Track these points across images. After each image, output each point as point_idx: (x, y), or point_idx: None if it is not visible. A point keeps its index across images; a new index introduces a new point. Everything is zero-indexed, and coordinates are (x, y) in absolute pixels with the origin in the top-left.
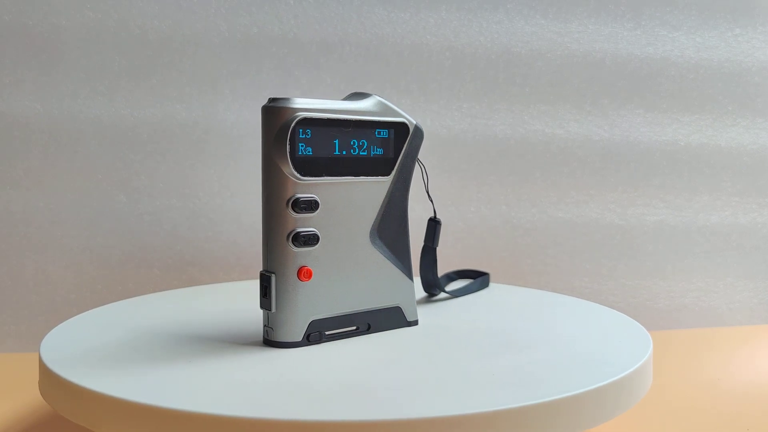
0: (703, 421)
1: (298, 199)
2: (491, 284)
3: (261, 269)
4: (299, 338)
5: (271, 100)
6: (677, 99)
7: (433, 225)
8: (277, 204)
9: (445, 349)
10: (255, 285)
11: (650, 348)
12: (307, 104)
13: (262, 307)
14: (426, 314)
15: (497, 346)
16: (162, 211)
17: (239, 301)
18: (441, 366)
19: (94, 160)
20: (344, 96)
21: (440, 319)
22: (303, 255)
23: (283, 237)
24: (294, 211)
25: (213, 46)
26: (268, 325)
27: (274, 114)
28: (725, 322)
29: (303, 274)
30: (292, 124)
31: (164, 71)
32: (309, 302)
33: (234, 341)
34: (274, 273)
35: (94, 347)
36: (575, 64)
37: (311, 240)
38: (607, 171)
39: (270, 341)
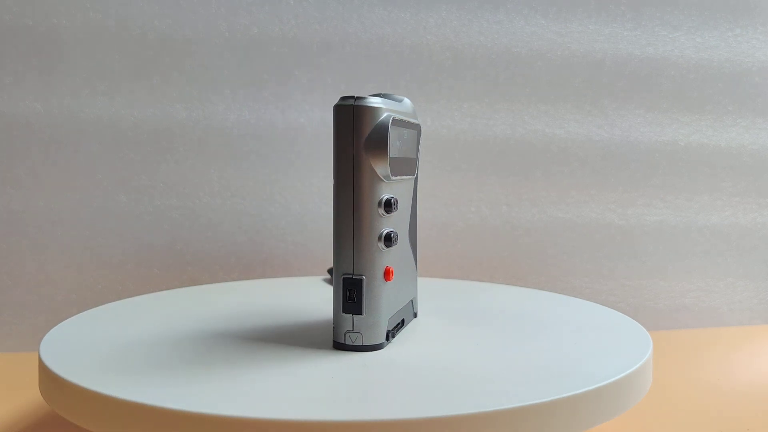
0: (703, 421)
1: (389, 199)
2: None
3: (344, 273)
4: (383, 339)
5: (353, 98)
6: (677, 99)
7: None
8: (369, 205)
9: (449, 348)
10: (256, 285)
11: (650, 348)
12: (385, 104)
13: (345, 311)
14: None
15: (497, 346)
16: (162, 211)
17: (242, 301)
18: (442, 366)
19: (94, 160)
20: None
21: (440, 316)
22: (387, 255)
23: (374, 238)
24: (385, 211)
25: (213, 46)
26: (352, 330)
27: (369, 113)
28: (725, 322)
29: (388, 274)
30: (389, 124)
31: (164, 71)
32: (389, 302)
33: (250, 340)
34: (364, 276)
35: (94, 347)
36: (575, 64)
37: (395, 239)
38: (607, 171)
39: (353, 346)
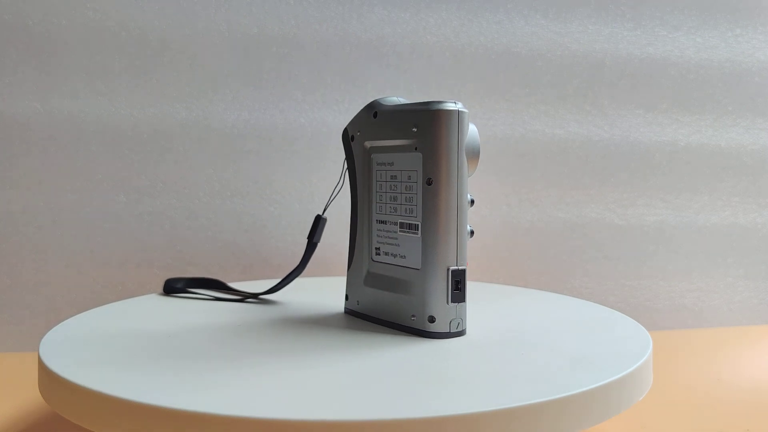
0: (703, 421)
1: (473, 199)
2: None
3: (451, 266)
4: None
5: (453, 102)
6: (677, 99)
7: (316, 220)
8: (466, 202)
9: (450, 350)
10: (256, 285)
11: (650, 348)
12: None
13: (453, 301)
14: None
15: (497, 346)
16: (162, 211)
17: (243, 301)
18: (443, 366)
19: (94, 160)
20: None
21: None
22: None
23: (466, 232)
24: (470, 206)
25: (213, 46)
26: (456, 318)
27: (467, 118)
28: (725, 322)
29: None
30: (473, 127)
31: (164, 71)
32: None
33: (252, 339)
34: (465, 267)
35: (94, 347)
36: (575, 64)
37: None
38: (607, 171)
39: (455, 333)
